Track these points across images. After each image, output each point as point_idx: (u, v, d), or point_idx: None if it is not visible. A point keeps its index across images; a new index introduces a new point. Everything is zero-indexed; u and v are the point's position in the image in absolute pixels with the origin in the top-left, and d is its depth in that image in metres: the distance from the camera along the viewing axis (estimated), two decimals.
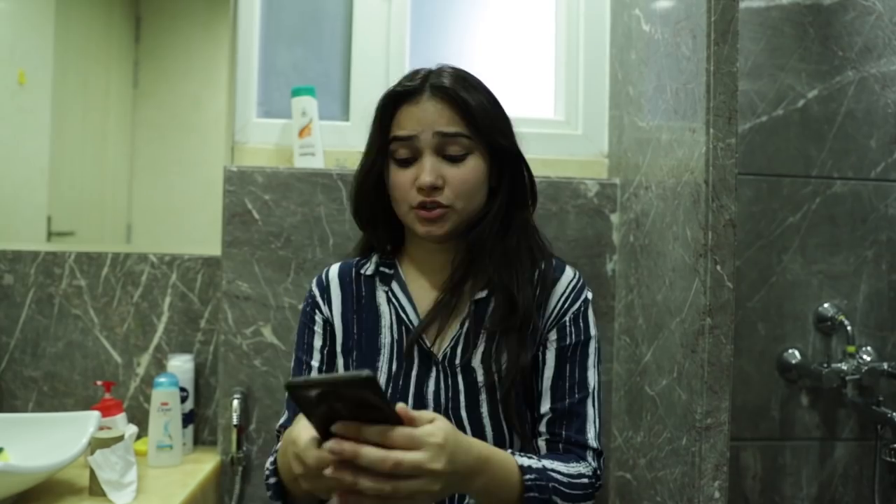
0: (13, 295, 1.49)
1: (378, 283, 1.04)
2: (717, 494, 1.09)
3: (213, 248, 1.47)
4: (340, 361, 1.02)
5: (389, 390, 0.97)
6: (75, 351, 1.49)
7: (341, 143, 1.56)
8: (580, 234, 1.49)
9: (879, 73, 1.55)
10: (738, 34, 1.10)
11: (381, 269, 1.04)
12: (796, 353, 1.52)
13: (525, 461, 0.87)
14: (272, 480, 0.92)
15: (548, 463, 0.89)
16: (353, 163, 1.54)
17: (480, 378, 0.96)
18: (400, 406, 0.71)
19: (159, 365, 1.49)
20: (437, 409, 0.95)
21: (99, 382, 1.39)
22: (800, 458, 1.53)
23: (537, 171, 1.52)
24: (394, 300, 1.02)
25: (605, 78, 1.60)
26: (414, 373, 0.98)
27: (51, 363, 1.49)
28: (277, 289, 1.42)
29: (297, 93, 1.52)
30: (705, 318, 1.09)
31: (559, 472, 0.89)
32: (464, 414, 0.95)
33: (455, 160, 0.95)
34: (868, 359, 1.52)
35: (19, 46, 1.64)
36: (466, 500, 0.95)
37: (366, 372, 0.66)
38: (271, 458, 0.95)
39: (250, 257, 1.42)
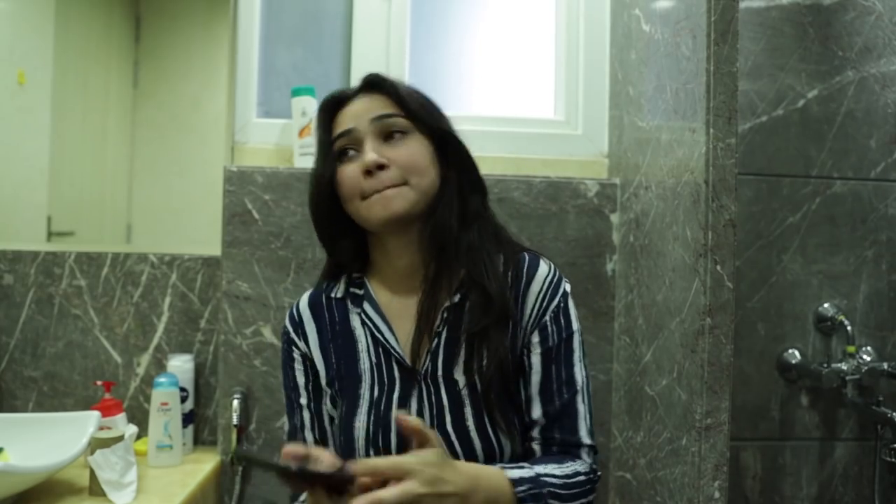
0: (13, 295, 1.49)
1: (350, 306, 1.01)
2: (717, 494, 1.09)
3: (213, 248, 1.47)
4: (328, 392, 1.00)
5: (372, 415, 0.95)
6: (75, 351, 1.49)
7: None
8: (580, 234, 1.49)
9: (879, 73, 1.55)
10: (738, 34, 1.10)
11: (352, 289, 1.02)
12: (796, 353, 1.52)
13: (516, 473, 0.85)
14: None
15: (540, 468, 0.88)
16: None
17: (464, 390, 0.93)
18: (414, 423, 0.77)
19: (159, 365, 1.49)
20: None
21: (99, 382, 1.39)
22: (800, 458, 1.53)
23: (537, 170, 1.54)
24: (368, 322, 0.99)
25: (605, 78, 1.60)
26: (396, 394, 0.95)
27: (51, 363, 1.49)
28: (277, 289, 1.42)
29: (297, 93, 1.52)
30: (705, 318, 1.09)
31: (553, 476, 0.88)
32: (450, 429, 0.92)
33: (396, 140, 0.95)
34: (868, 359, 1.52)
35: (19, 46, 1.64)
36: None
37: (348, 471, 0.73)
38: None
39: (250, 257, 1.42)
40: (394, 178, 0.93)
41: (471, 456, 0.91)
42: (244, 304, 1.42)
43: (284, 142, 1.55)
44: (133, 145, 1.63)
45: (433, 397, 0.94)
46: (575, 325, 0.99)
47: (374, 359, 0.98)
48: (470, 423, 0.92)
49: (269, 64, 1.60)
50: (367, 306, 0.99)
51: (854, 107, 1.54)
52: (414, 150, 0.95)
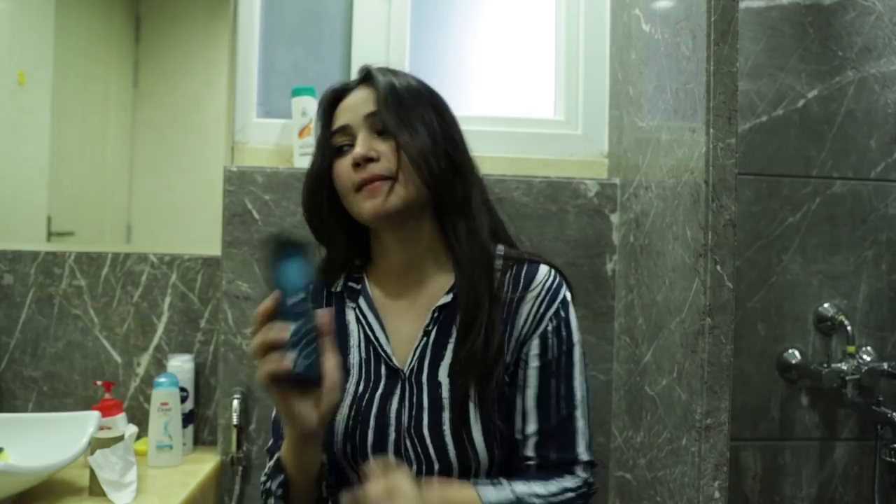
0: (13, 295, 1.49)
1: (346, 300, 1.02)
2: (717, 494, 1.09)
3: (213, 248, 1.47)
4: None
5: (353, 410, 0.94)
6: (75, 351, 1.49)
7: None
8: (580, 234, 1.48)
9: (879, 73, 1.55)
10: (738, 34, 1.09)
11: (349, 283, 1.03)
12: (796, 353, 1.52)
13: (492, 496, 0.86)
14: (275, 483, 0.92)
15: (521, 487, 0.88)
16: None
17: (445, 393, 0.92)
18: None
19: (159, 365, 1.49)
20: (398, 427, 0.92)
21: (99, 382, 1.39)
22: (800, 458, 1.53)
23: (537, 170, 1.54)
24: (362, 318, 0.99)
25: (605, 78, 1.59)
26: (379, 392, 0.95)
27: (51, 363, 1.49)
28: None
29: (297, 93, 1.52)
30: (705, 318, 1.09)
31: (536, 495, 0.88)
32: (426, 431, 0.91)
33: (387, 134, 0.94)
34: (868, 359, 1.52)
35: (19, 46, 1.64)
36: None
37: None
38: (268, 470, 0.95)
39: (250, 257, 1.42)
40: (382, 169, 0.92)
41: (444, 461, 0.90)
42: (244, 304, 1.42)
43: (284, 142, 1.55)
44: (133, 145, 1.63)
45: (414, 398, 0.93)
46: (576, 337, 0.96)
47: (363, 355, 0.98)
48: (446, 427, 0.90)
49: (269, 64, 1.60)
50: (362, 302, 1.00)
51: (854, 107, 1.54)
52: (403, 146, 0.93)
